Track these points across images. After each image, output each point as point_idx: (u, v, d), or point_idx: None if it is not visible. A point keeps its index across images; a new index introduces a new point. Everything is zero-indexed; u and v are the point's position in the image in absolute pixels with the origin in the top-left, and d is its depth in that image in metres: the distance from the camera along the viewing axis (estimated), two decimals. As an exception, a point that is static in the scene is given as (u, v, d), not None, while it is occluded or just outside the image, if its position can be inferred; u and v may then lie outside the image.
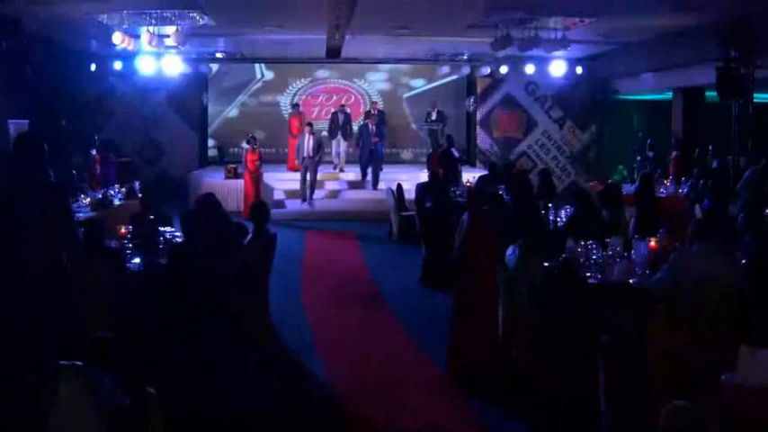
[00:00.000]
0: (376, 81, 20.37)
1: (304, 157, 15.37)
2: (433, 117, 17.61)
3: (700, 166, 12.12)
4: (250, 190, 14.92)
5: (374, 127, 16.61)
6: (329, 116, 18.24)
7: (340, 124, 17.42)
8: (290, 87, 20.28)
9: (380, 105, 18.44)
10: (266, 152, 16.99)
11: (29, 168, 4.74)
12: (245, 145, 15.64)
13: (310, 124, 16.11)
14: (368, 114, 17.63)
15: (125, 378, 3.84)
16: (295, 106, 18.54)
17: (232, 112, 20.09)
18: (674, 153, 13.74)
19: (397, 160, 19.51)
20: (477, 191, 10.57)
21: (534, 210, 6.90)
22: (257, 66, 19.86)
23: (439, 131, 17.49)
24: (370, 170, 16.80)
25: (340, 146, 17.51)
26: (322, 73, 20.31)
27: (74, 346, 3.90)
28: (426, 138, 18.44)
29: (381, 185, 16.00)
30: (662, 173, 13.63)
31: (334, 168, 17.47)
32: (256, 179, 15.11)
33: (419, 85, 20.30)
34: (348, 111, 18.31)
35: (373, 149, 16.55)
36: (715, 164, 13.51)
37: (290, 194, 16.21)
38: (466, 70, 18.50)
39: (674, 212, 10.26)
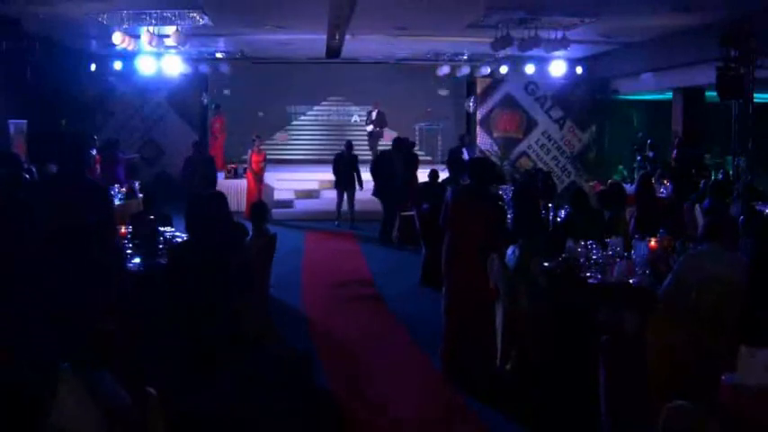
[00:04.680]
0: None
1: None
2: (373, 117, 17.57)
3: (696, 165, 12.09)
4: (253, 190, 15.00)
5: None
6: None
7: (345, 167, 14.24)
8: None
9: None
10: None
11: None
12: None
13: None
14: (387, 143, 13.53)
15: (125, 376, 3.83)
16: (217, 107, 17.66)
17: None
18: (676, 152, 13.75)
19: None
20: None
21: (535, 210, 6.91)
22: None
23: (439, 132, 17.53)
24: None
25: (344, 195, 14.39)
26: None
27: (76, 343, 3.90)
28: (426, 138, 18.39)
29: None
30: (661, 173, 13.61)
31: (337, 224, 14.61)
32: (260, 180, 15.20)
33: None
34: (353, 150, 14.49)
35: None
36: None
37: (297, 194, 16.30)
38: (466, 70, 18.49)
39: (674, 212, 10.24)
